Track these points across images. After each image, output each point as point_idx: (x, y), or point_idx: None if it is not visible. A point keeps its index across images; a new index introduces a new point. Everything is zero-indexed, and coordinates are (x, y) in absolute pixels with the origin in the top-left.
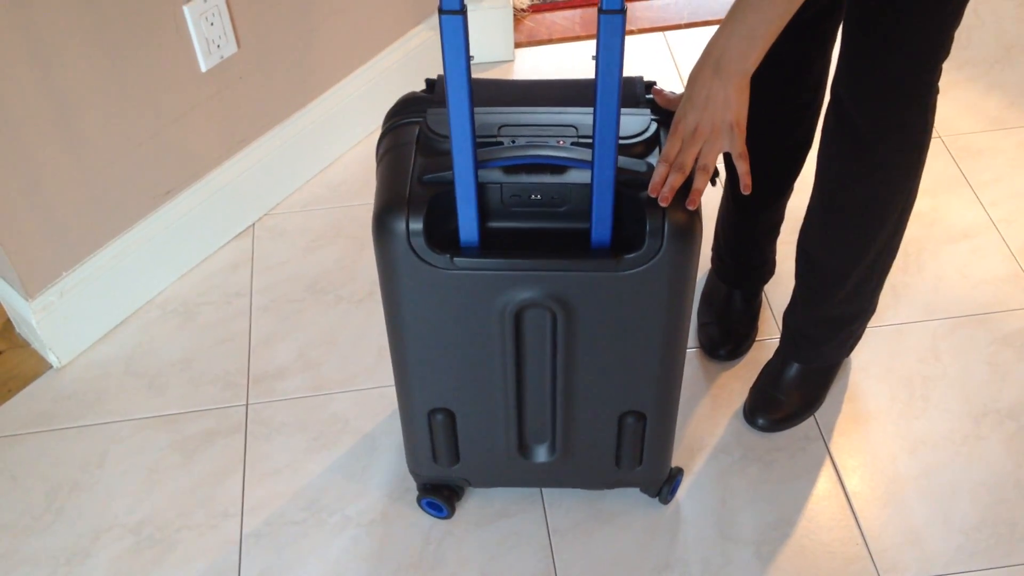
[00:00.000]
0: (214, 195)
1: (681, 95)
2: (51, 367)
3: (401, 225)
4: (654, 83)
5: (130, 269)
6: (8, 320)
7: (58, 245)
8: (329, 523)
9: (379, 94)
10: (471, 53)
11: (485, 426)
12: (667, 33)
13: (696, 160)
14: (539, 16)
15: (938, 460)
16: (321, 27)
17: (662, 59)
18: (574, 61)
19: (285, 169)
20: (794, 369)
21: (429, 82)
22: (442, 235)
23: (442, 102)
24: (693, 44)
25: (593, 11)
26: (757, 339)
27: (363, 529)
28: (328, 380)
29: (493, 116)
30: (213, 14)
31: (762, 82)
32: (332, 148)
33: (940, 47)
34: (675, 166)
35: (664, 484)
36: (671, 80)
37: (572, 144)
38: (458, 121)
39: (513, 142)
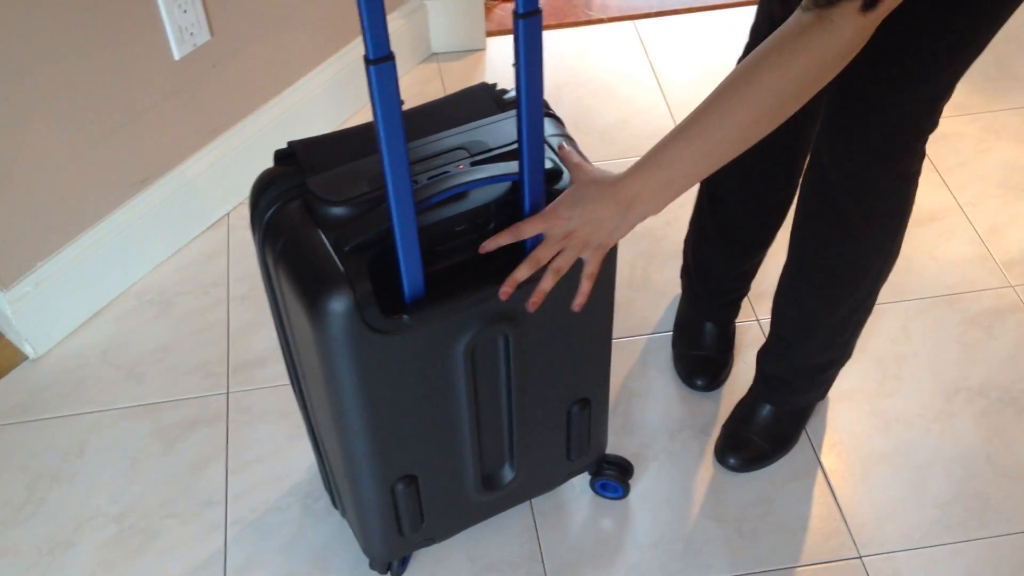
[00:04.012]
0: (188, 184)
1: (576, 161)
2: (27, 358)
3: (344, 303)
4: (499, 87)
5: (105, 259)
6: None
7: (33, 235)
8: (315, 509)
9: (350, 82)
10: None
11: (449, 475)
12: (637, 22)
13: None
14: (509, 5)
15: (912, 437)
16: (295, 14)
17: (632, 48)
18: (545, 50)
19: (260, 157)
20: (766, 410)
21: (281, 153)
22: (381, 299)
23: (312, 168)
24: (663, 32)
25: (561, 1)
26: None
27: None
28: None
29: (374, 164)
30: (186, 2)
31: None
32: (307, 135)
33: (927, 120)
34: (551, 270)
35: (624, 475)
36: (643, 69)
37: (471, 165)
38: (395, 171)
39: (416, 182)
